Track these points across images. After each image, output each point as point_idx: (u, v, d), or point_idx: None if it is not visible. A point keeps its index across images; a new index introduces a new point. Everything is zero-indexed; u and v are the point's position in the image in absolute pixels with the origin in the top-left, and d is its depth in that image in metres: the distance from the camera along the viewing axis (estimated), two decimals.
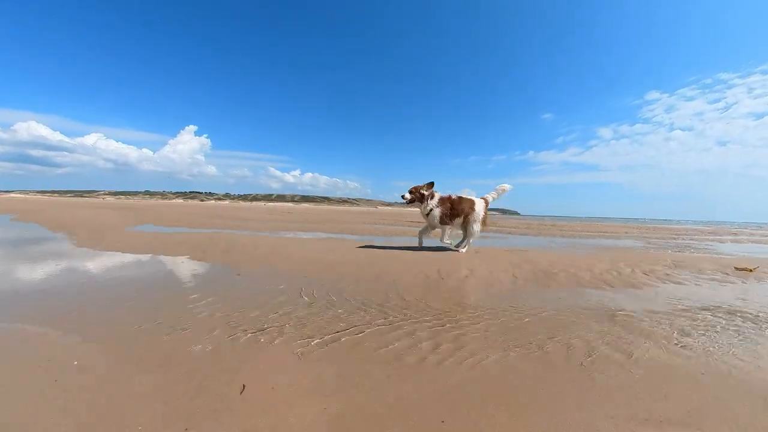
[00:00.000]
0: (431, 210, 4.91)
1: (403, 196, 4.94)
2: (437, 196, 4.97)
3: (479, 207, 4.97)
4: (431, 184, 5.02)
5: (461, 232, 5.10)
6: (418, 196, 4.96)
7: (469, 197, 5.04)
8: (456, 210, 4.92)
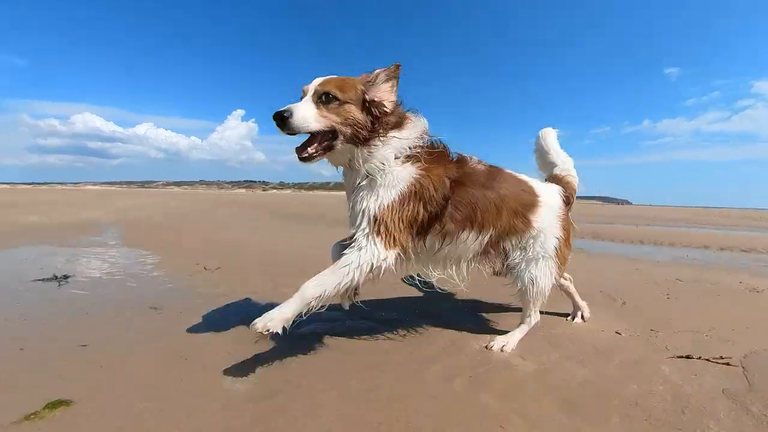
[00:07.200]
0: (393, 177, 1.86)
1: (280, 116, 1.68)
2: (419, 128, 1.93)
3: (552, 202, 2.28)
4: (394, 69, 1.86)
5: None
6: (356, 118, 1.79)
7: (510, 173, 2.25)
8: (480, 196, 2.01)
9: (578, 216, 2.77)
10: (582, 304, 2.68)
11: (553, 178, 2.47)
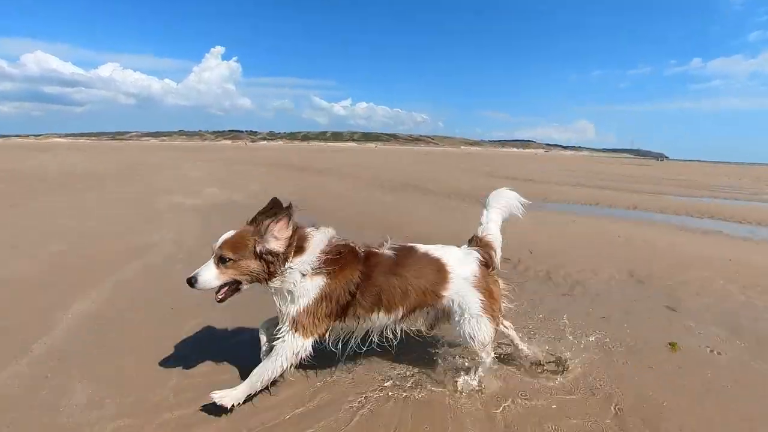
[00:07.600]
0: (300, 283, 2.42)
1: (189, 281, 2.34)
2: (322, 242, 2.46)
3: (465, 271, 2.63)
4: (285, 210, 2.34)
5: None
6: (251, 269, 2.34)
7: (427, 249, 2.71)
8: (385, 283, 2.56)
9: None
10: (521, 346, 2.85)
11: (474, 239, 2.77)
